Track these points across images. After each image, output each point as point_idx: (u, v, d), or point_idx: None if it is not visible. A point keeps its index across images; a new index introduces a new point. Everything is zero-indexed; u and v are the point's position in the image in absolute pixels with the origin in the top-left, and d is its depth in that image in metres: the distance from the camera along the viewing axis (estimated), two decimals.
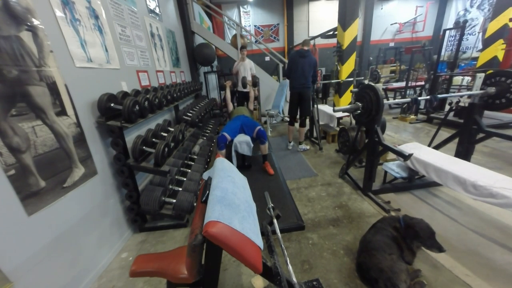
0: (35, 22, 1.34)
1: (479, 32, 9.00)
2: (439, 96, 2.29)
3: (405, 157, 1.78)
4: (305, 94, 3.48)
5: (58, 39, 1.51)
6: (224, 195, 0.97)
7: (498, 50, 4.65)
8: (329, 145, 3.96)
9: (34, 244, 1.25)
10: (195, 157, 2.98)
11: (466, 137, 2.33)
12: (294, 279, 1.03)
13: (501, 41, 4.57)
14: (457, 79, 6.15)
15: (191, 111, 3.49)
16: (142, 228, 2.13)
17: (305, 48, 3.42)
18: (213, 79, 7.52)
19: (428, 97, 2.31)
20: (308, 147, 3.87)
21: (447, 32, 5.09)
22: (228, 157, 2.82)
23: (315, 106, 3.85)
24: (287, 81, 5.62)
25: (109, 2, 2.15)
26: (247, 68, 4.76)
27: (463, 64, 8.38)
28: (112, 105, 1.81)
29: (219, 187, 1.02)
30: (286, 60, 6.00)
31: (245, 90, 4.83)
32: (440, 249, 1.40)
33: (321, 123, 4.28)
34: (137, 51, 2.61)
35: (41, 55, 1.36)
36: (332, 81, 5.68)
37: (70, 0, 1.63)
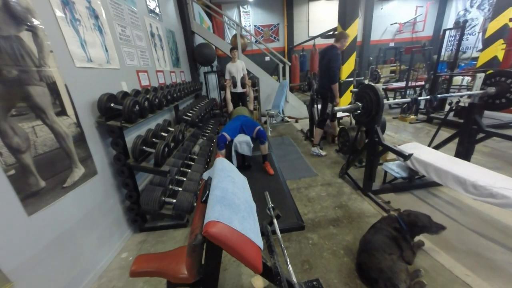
0: (35, 22, 1.34)
1: (479, 32, 9.01)
2: (439, 96, 2.29)
3: (405, 157, 1.78)
4: (322, 95, 3.38)
5: (58, 39, 1.51)
6: (224, 195, 0.97)
7: (498, 50, 4.66)
8: (329, 145, 3.96)
9: (34, 244, 1.25)
10: (195, 157, 2.98)
11: (466, 137, 2.33)
12: (294, 279, 1.03)
13: (501, 41, 4.58)
14: (457, 79, 6.15)
15: (191, 111, 3.49)
16: (142, 228, 2.12)
17: (331, 44, 3.12)
18: (213, 79, 7.51)
19: (428, 97, 2.31)
20: (321, 152, 3.46)
21: (447, 32, 5.09)
22: (228, 157, 2.82)
23: (315, 106, 3.85)
24: (287, 81, 5.66)
25: (109, 2, 2.15)
26: (239, 69, 4.76)
27: (463, 64, 8.39)
28: (112, 105, 1.81)
29: (219, 187, 1.02)
30: (286, 60, 6.01)
31: (238, 91, 4.84)
32: (442, 227, 1.47)
33: None
34: (137, 51, 2.61)
35: (41, 55, 1.36)
36: None
37: (70, 0, 1.63)
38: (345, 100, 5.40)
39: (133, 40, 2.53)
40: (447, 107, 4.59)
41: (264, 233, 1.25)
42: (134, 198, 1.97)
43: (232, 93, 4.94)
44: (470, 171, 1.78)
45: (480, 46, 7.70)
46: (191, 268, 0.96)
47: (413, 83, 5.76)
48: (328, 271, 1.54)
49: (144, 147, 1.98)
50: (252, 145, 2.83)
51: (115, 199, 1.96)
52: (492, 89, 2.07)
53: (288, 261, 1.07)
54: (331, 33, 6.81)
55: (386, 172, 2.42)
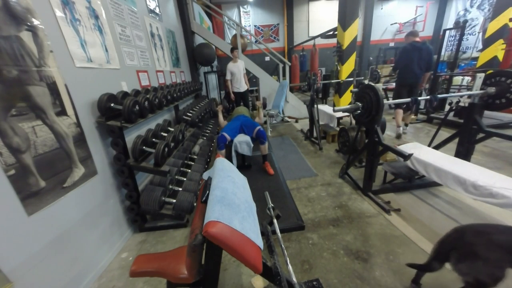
0: (35, 22, 1.34)
1: (479, 32, 9.00)
2: (439, 96, 2.29)
3: (405, 157, 1.78)
4: (415, 84, 3.81)
5: (58, 39, 1.51)
6: (224, 195, 0.97)
7: (498, 50, 4.66)
8: (329, 145, 3.95)
9: (34, 244, 1.25)
10: (195, 157, 2.98)
11: (466, 137, 2.33)
12: (294, 279, 1.03)
13: (501, 41, 4.58)
14: (457, 79, 6.14)
15: (191, 111, 3.49)
16: (142, 228, 2.12)
17: (422, 39, 3.64)
18: (213, 79, 7.52)
19: (428, 97, 2.30)
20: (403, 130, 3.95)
21: (447, 32, 5.10)
22: (228, 157, 2.82)
23: (315, 106, 3.85)
24: (287, 81, 5.66)
25: (109, 2, 2.15)
26: (241, 69, 4.82)
27: (463, 64, 8.37)
28: (112, 105, 1.81)
29: (219, 187, 1.02)
30: (286, 60, 6.00)
31: (241, 90, 4.90)
32: None
33: (321, 123, 4.28)
34: (137, 51, 2.61)
35: (41, 55, 1.36)
36: (332, 81, 5.68)
37: (70, 0, 1.63)
38: (345, 100, 5.40)
39: (133, 40, 2.53)
40: (447, 107, 4.59)
41: (264, 233, 1.25)
42: (134, 198, 1.97)
43: (235, 93, 4.99)
44: (470, 171, 1.78)
45: (480, 46, 7.68)
46: (191, 268, 0.96)
47: None
48: (328, 271, 1.54)
49: (144, 147, 1.98)
50: (252, 145, 2.83)
51: (115, 199, 1.96)
52: (492, 89, 2.07)
53: (288, 261, 1.07)
54: (331, 33, 6.81)
55: (386, 172, 2.42)
